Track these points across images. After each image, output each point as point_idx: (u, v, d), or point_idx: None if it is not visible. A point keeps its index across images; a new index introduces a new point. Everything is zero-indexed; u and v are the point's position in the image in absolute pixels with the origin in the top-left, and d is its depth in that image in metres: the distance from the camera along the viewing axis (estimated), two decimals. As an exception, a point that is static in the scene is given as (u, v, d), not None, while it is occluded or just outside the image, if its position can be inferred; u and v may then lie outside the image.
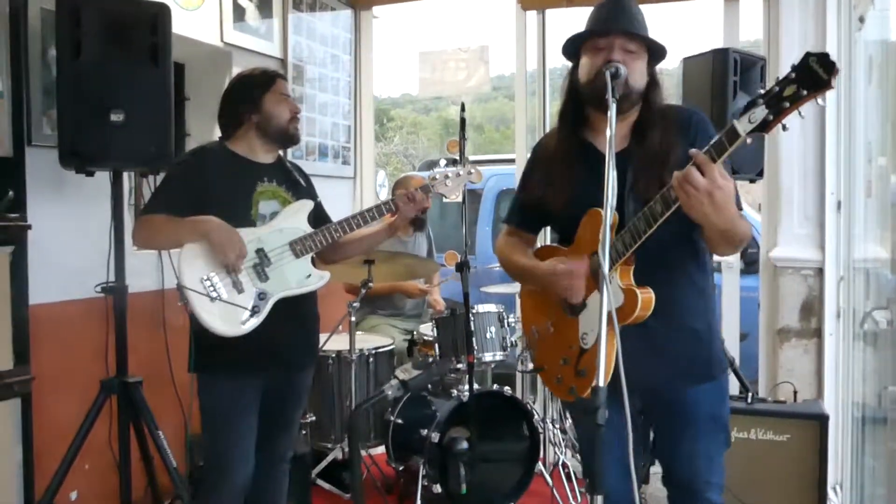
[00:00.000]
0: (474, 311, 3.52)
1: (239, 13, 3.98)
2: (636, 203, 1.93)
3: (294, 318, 2.50)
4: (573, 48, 2.09)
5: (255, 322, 2.36)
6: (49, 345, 2.92)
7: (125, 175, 2.91)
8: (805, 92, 1.54)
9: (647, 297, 1.87)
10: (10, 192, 2.66)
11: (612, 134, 1.76)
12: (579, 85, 2.04)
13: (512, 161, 4.91)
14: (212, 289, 2.34)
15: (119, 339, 2.87)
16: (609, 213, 1.69)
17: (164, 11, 2.76)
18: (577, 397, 2.02)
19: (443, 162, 2.83)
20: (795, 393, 3.40)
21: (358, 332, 3.88)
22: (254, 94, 2.52)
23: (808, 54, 1.54)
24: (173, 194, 2.43)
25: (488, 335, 3.54)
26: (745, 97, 3.48)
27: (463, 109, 3.31)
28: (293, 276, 2.46)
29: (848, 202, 3.56)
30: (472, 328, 3.48)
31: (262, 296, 2.40)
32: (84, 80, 2.64)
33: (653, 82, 2.05)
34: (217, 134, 2.63)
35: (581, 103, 2.07)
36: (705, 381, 2.05)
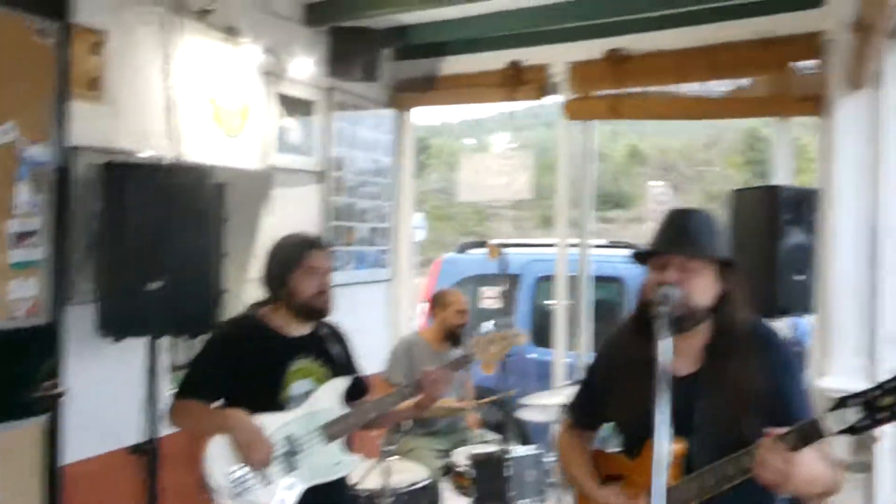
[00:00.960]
0: (512, 454, 3.43)
1: (282, 133, 3.98)
2: (705, 438, 1.83)
3: (325, 501, 2.45)
4: (643, 259, 2.00)
5: None
6: (82, 501, 2.90)
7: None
8: None
9: None
10: (47, 360, 2.65)
11: (664, 369, 1.67)
12: (642, 300, 1.96)
13: (552, 246, 4.86)
14: (239, 483, 2.31)
15: (151, 499, 2.84)
16: (664, 472, 1.61)
17: (208, 175, 2.76)
18: None
19: (491, 324, 2.76)
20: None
21: (394, 458, 3.80)
22: (283, 269, 2.53)
23: None
24: (205, 377, 2.44)
25: (527, 480, 3.44)
26: (796, 233, 3.39)
27: (503, 245, 3.26)
28: (323, 464, 2.42)
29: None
30: (511, 473, 3.40)
31: (290, 486, 2.36)
32: (125, 248, 2.63)
33: (727, 296, 1.93)
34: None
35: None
36: None
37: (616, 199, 21.14)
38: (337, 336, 2.68)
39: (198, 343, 2.65)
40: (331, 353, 2.59)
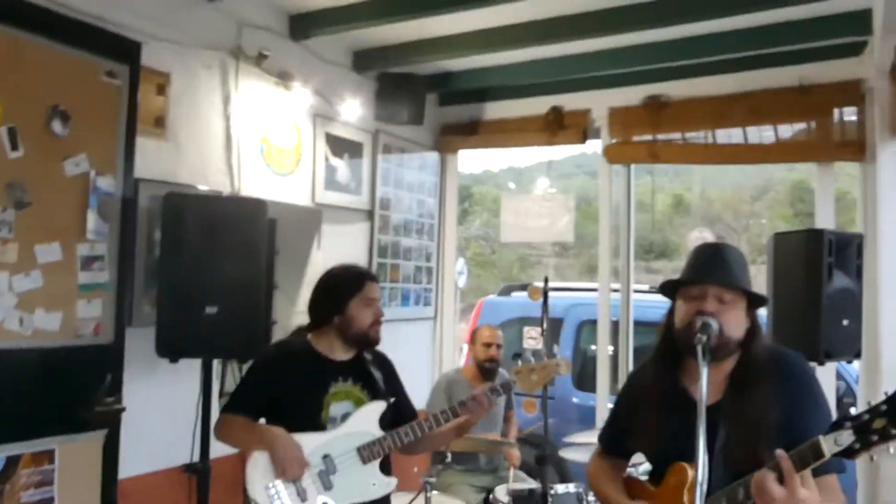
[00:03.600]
0: (553, 492, 3.43)
1: (330, 172, 4.15)
2: (725, 464, 1.84)
3: None
4: (670, 290, 2.05)
5: None
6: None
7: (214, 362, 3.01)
8: (894, 431, 1.46)
9: None
10: (109, 377, 2.78)
11: (702, 395, 1.70)
12: (674, 328, 2.00)
13: (594, 290, 4.89)
14: (276, 497, 2.37)
15: (200, 518, 2.93)
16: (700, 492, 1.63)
17: (261, 207, 2.89)
18: None
19: (528, 353, 2.78)
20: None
21: (433, 493, 3.83)
22: (342, 297, 2.58)
23: None
24: (251, 394, 2.53)
25: (566, 517, 3.44)
26: (841, 277, 3.36)
27: (546, 282, 3.31)
28: (358, 484, 2.46)
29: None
30: (550, 510, 3.40)
31: None
32: (183, 275, 2.77)
33: (752, 330, 1.97)
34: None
35: (677, 345, 2.01)
36: None
37: (661, 248, 20.99)
38: (380, 361, 2.75)
39: (246, 367, 2.75)
40: (372, 378, 2.65)
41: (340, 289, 2.61)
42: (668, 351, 2.03)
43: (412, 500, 3.46)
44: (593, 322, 5.04)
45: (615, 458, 2.23)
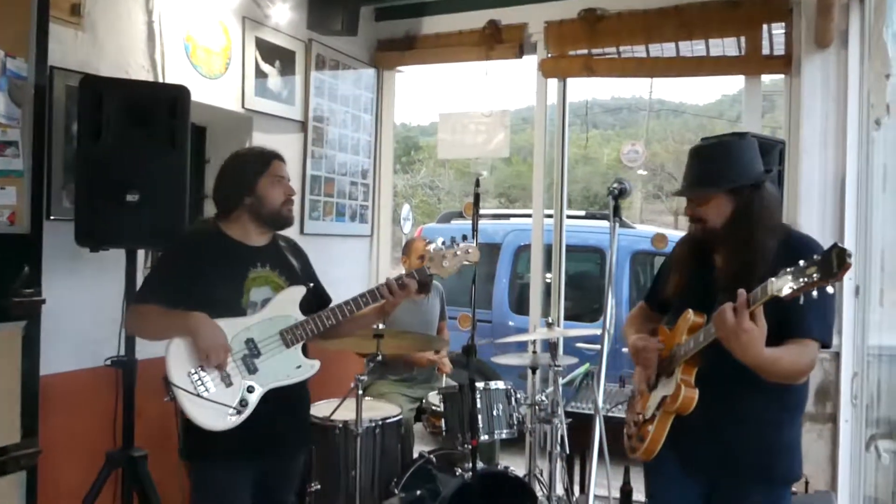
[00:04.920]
0: (482, 388, 3.50)
1: (261, 78, 4.06)
2: None
3: (286, 404, 2.49)
4: None
5: (242, 417, 2.36)
6: (58, 414, 2.95)
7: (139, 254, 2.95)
8: (817, 276, 1.71)
9: (687, 396, 2.10)
10: (26, 268, 2.70)
11: (612, 255, 2.03)
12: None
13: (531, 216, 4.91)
14: (199, 384, 2.33)
15: (127, 413, 2.90)
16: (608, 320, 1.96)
17: (184, 94, 2.82)
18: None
19: (440, 241, 2.81)
20: (807, 484, 3.33)
21: (367, 398, 3.87)
22: (249, 177, 2.52)
23: (834, 245, 1.70)
24: (165, 282, 2.43)
25: (496, 413, 3.52)
26: (762, 180, 3.46)
27: (478, 185, 3.32)
28: (283, 367, 2.45)
29: (865, 291, 3.51)
30: (480, 406, 3.47)
31: (250, 389, 2.39)
32: (102, 161, 2.70)
33: (749, 208, 2.15)
34: None
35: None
36: (763, 485, 2.14)
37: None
38: (294, 249, 2.71)
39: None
40: (289, 263, 2.62)
41: (248, 169, 2.54)
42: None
43: (344, 399, 3.49)
44: (529, 247, 5.07)
45: (653, 310, 2.52)
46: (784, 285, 1.76)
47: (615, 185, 2.10)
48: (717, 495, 2.20)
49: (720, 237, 2.19)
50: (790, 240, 2.14)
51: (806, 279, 1.72)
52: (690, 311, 2.15)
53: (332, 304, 2.58)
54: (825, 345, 2.08)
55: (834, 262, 1.68)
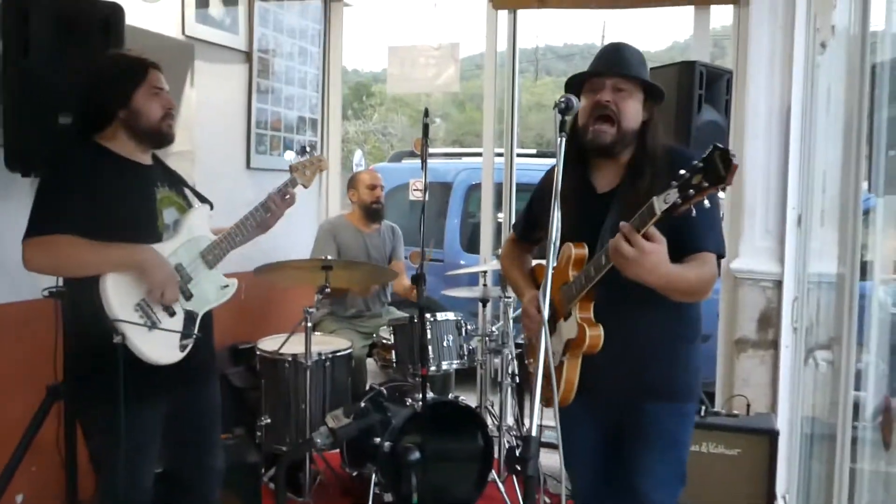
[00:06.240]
0: (432, 319, 3.51)
1: (202, 4, 3.89)
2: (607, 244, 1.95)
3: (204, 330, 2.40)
4: (576, 90, 2.16)
5: (189, 344, 2.30)
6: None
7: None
8: (706, 184, 1.61)
9: (593, 336, 2.01)
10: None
11: (558, 171, 1.85)
12: (577, 126, 2.11)
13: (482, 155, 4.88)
14: (152, 315, 2.24)
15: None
16: (552, 258, 1.80)
17: (118, 12, 2.69)
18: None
19: (290, 154, 2.82)
20: (749, 406, 3.44)
21: (317, 334, 3.85)
22: (124, 88, 2.26)
23: (714, 147, 1.60)
24: (65, 209, 2.15)
25: (446, 344, 3.53)
26: (710, 110, 3.47)
27: (426, 115, 3.28)
28: (212, 290, 2.40)
29: (806, 219, 3.58)
30: (430, 337, 3.48)
31: (190, 315, 2.32)
32: (31, 81, 2.56)
33: (648, 123, 2.12)
34: None
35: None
36: (665, 401, 2.14)
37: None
38: (170, 169, 2.53)
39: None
40: (181, 182, 2.50)
41: (123, 78, 2.28)
42: (577, 150, 2.12)
43: (293, 332, 3.45)
44: (479, 186, 5.05)
45: (526, 244, 2.47)
46: (672, 199, 1.66)
47: (562, 100, 2.06)
48: (626, 421, 2.16)
49: (626, 145, 2.10)
50: (672, 154, 2.07)
51: (693, 189, 1.62)
52: (570, 244, 2.05)
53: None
54: (720, 255, 2.04)
55: (719, 164, 1.58)
